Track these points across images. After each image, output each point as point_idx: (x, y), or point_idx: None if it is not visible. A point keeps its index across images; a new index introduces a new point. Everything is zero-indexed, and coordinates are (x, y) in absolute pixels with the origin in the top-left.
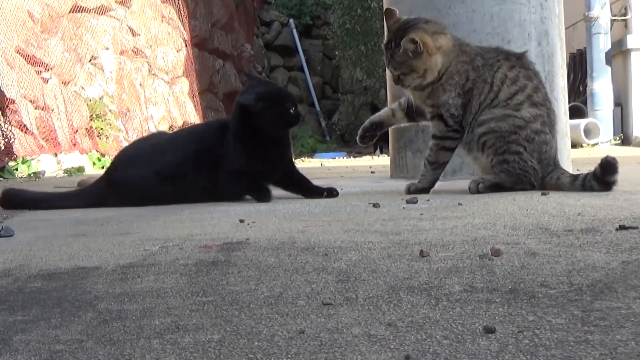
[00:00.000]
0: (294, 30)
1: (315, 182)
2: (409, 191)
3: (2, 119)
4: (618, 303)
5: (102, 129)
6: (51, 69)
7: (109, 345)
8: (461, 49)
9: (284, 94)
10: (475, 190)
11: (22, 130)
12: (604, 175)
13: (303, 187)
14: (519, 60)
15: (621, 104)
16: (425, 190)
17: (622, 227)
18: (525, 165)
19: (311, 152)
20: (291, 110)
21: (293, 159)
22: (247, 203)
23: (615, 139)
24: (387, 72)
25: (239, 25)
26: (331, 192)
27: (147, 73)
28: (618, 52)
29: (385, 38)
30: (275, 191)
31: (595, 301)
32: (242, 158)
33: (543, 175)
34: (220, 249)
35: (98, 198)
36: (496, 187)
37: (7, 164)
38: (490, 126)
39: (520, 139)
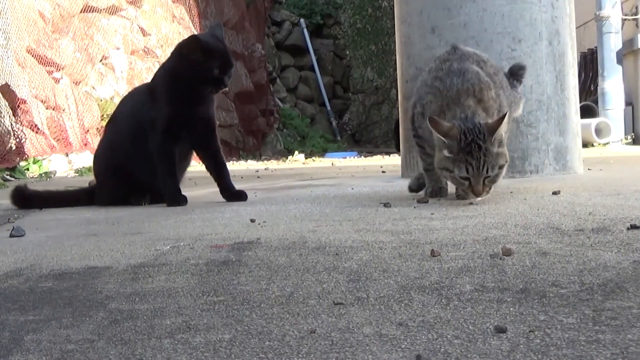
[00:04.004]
0: (305, 30)
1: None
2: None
3: (13, 119)
4: (629, 302)
5: None
6: (62, 68)
7: (120, 345)
8: (489, 75)
9: (223, 55)
10: None
11: (33, 130)
12: None
13: (219, 172)
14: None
15: (632, 103)
16: None
17: (633, 227)
18: None
19: (322, 152)
20: (216, 72)
21: (218, 139)
22: (257, 203)
23: (626, 138)
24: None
25: (249, 25)
26: (240, 195)
27: None
28: (629, 52)
29: (459, 144)
30: (287, 191)
31: (606, 301)
32: (165, 102)
33: None
34: (231, 249)
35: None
36: None
37: (19, 164)
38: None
39: None
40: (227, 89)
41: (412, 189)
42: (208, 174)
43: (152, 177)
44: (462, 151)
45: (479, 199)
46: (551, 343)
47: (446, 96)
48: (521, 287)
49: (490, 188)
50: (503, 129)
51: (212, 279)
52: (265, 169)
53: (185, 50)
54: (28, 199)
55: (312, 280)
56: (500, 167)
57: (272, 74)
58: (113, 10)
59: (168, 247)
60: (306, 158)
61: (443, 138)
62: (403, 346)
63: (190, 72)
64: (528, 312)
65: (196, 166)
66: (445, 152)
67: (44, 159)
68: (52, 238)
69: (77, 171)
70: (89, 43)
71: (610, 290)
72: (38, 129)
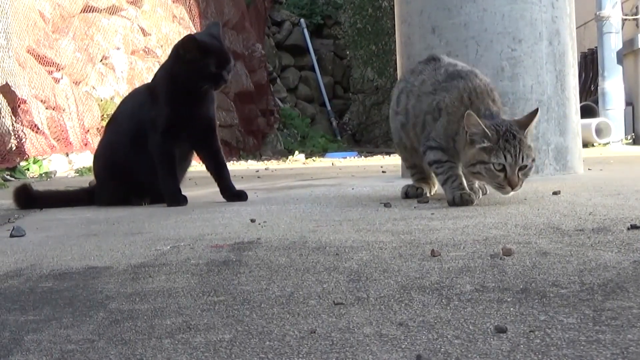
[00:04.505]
0: (305, 30)
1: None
2: None
3: (13, 118)
4: (629, 302)
5: None
6: (62, 68)
7: (120, 345)
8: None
9: (219, 51)
10: None
11: (33, 130)
12: None
13: (219, 172)
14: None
15: (632, 103)
16: None
17: (633, 227)
18: None
19: (322, 152)
20: (213, 69)
21: (219, 139)
22: (258, 203)
23: (626, 138)
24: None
25: (250, 25)
26: (240, 196)
27: None
28: (629, 52)
29: (497, 133)
30: (288, 191)
31: (606, 301)
32: (165, 103)
33: None
34: (231, 249)
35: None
36: None
37: (19, 164)
38: None
39: None
40: (227, 84)
41: (408, 195)
42: (208, 174)
43: (153, 177)
44: (501, 138)
45: (512, 192)
46: (551, 343)
47: (466, 91)
48: (521, 287)
49: (522, 182)
50: (533, 125)
51: (213, 279)
52: (266, 169)
53: (182, 50)
54: (32, 199)
55: (312, 280)
56: (533, 160)
57: (272, 74)
58: (113, 10)
59: (168, 247)
60: (306, 158)
61: (486, 128)
62: (403, 346)
63: (188, 72)
64: (528, 312)
65: (196, 166)
66: (484, 143)
67: (44, 159)
68: (52, 238)
69: (77, 171)
70: (89, 43)
71: (611, 290)
72: (38, 129)
